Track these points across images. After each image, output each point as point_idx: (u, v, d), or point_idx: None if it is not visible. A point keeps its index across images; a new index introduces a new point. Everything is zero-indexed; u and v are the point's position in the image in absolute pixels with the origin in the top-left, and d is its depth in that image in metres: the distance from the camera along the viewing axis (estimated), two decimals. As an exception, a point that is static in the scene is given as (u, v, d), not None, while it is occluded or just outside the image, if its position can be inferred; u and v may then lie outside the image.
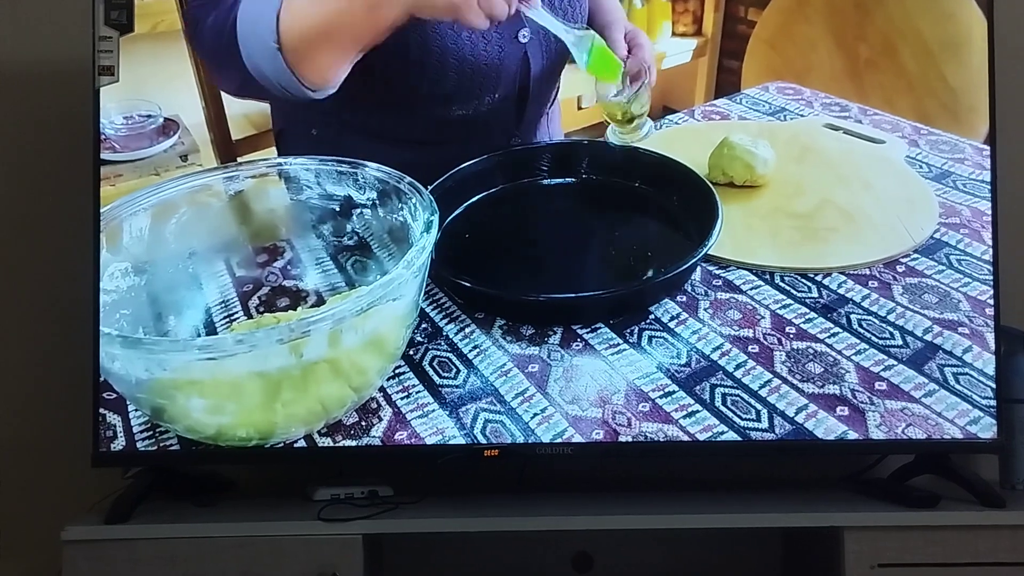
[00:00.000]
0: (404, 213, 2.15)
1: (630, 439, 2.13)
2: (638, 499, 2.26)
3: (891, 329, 2.20)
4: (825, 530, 2.16)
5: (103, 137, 2.23)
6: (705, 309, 2.21)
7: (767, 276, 2.26)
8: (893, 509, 2.18)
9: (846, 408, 2.15)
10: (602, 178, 2.35)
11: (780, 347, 2.18)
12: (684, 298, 2.23)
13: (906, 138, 2.41)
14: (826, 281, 2.25)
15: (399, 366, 2.16)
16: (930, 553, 2.12)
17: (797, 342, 2.18)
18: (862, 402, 2.16)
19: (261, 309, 2.20)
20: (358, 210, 2.23)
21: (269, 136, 2.33)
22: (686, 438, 2.11)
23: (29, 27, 2.52)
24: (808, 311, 2.22)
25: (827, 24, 2.40)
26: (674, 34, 2.41)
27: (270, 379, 1.99)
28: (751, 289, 2.24)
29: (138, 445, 2.15)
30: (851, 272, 2.26)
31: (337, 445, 2.14)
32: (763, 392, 2.14)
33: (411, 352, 2.17)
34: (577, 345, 2.18)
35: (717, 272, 2.26)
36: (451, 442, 2.13)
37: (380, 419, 2.13)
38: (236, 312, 2.20)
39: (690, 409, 2.12)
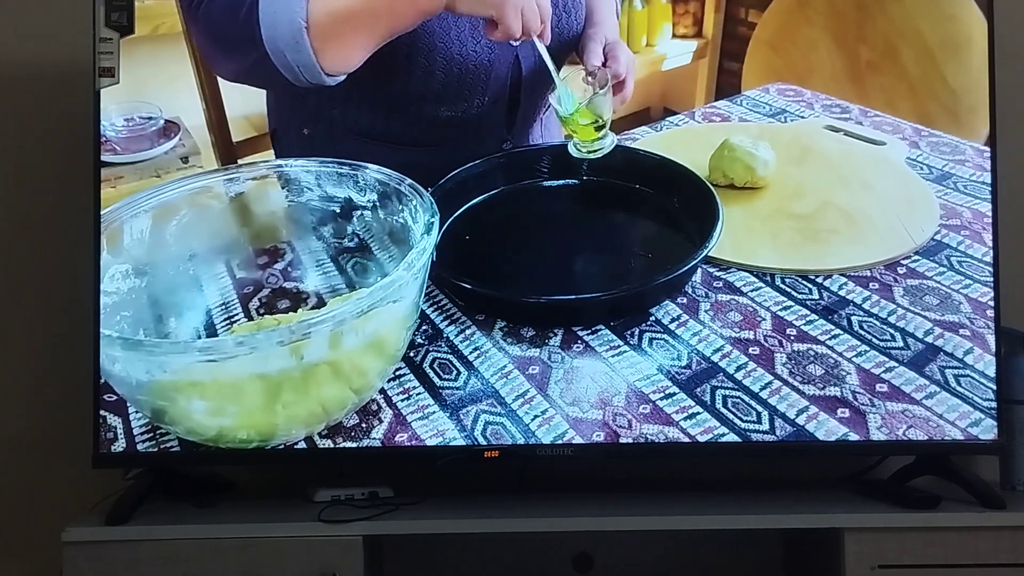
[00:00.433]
0: (404, 215, 2.14)
1: (631, 441, 2.13)
2: (638, 500, 2.26)
3: (892, 331, 2.20)
4: (825, 531, 2.16)
5: (104, 139, 2.23)
6: (706, 311, 2.21)
7: (768, 278, 2.26)
8: (893, 510, 2.18)
9: (847, 410, 2.15)
10: (602, 180, 2.35)
11: (781, 349, 2.18)
12: (685, 300, 2.23)
13: (907, 140, 2.41)
14: (827, 283, 2.25)
15: (399, 368, 2.16)
16: (930, 554, 2.12)
17: (798, 344, 2.18)
18: (863, 404, 2.16)
19: (262, 311, 2.20)
20: (359, 212, 2.23)
21: (269, 138, 2.33)
22: (687, 440, 2.11)
23: (30, 29, 2.52)
24: (809, 313, 2.21)
25: (828, 26, 2.40)
26: (675, 36, 2.41)
27: (271, 381, 1.99)
28: (752, 291, 2.24)
29: (138, 447, 2.15)
30: (852, 274, 2.26)
31: (337, 446, 2.14)
32: (764, 394, 2.14)
33: (411, 354, 2.17)
34: (578, 347, 2.18)
35: (718, 274, 2.26)
36: (451, 444, 2.13)
37: (381, 421, 2.13)
38: (237, 314, 2.20)
39: (691, 411, 2.12)
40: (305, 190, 2.24)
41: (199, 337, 2.17)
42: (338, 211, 2.24)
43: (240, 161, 2.32)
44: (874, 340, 2.19)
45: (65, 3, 2.47)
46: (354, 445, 2.14)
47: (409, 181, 2.15)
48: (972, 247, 2.29)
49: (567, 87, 2.22)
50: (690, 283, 2.25)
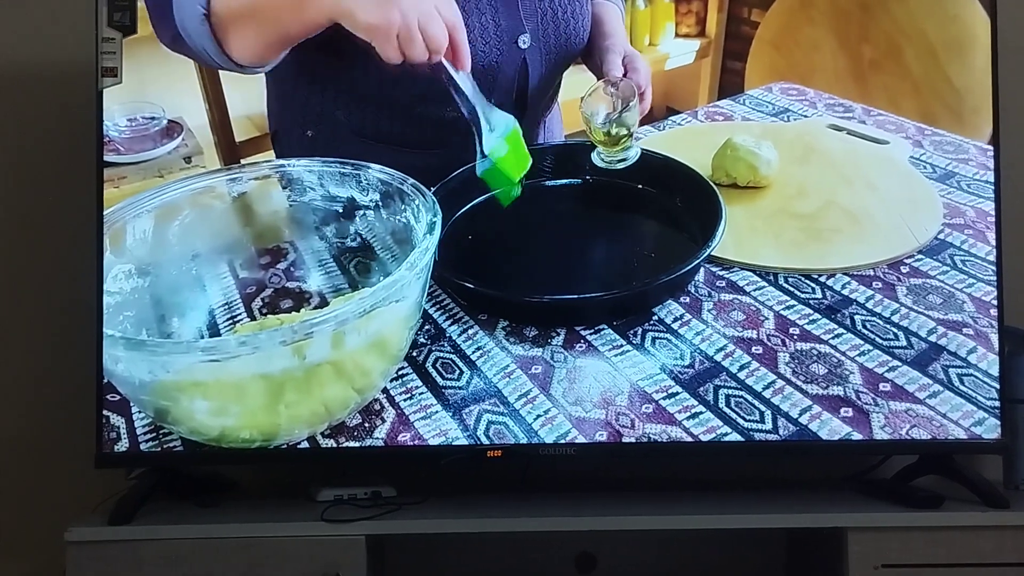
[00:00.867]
0: (407, 215, 2.14)
1: (633, 440, 2.13)
2: (641, 500, 2.26)
3: (895, 330, 2.20)
4: (829, 531, 2.17)
5: (107, 139, 2.24)
6: (709, 310, 2.21)
7: (771, 277, 2.26)
8: (897, 510, 2.18)
9: (850, 409, 2.15)
10: (605, 179, 2.35)
11: (784, 348, 2.18)
12: (687, 299, 2.23)
13: (910, 139, 2.41)
14: (830, 282, 2.25)
15: (402, 368, 2.15)
16: (934, 554, 2.12)
17: (801, 343, 2.18)
18: (866, 403, 2.15)
19: (264, 311, 2.21)
20: (361, 212, 2.23)
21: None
22: (689, 439, 2.11)
23: (32, 29, 2.52)
24: (812, 312, 2.21)
25: (831, 25, 2.40)
26: (677, 35, 2.41)
27: (273, 381, 1.98)
28: (755, 290, 2.24)
29: (142, 447, 2.15)
30: (855, 273, 2.26)
31: (340, 446, 2.14)
32: (767, 393, 2.14)
33: (414, 354, 2.17)
34: (580, 346, 2.18)
35: (721, 273, 2.26)
36: (454, 443, 2.13)
37: (383, 421, 2.13)
38: (239, 314, 2.20)
39: (694, 411, 2.12)
40: (308, 190, 2.24)
41: (202, 337, 2.17)
42: (341, 211, 2.24)
43: (243, 161, 2.33)
44: (877, 339, 2.19)
45: (67, 3, 2.47)
46: (357, 445, 2.14)
47: (412, 181, 2.15)
48: (976, 246, 2.29)
49: (496, 122, 2.15)
50: (693, 282, 2.25)
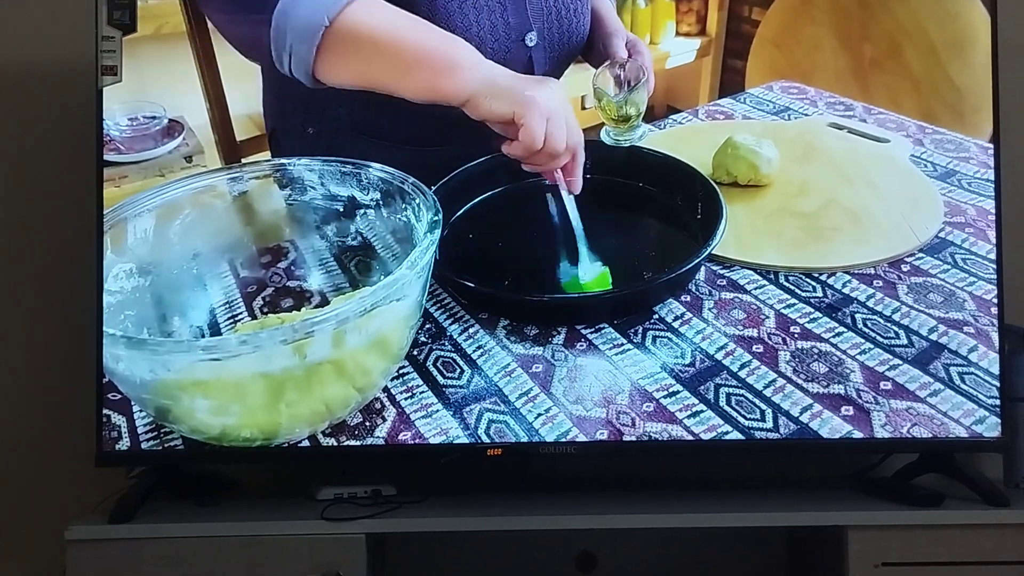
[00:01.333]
0: (408, 213, 2.14)
1: (634, 439, 2.13)
2: (642, 498, 2.26)
3: (896, 328, 2.20)
4: (829, 529, 2.16)
5: (108, 139, 2.23)
6: (709, 309, 2.21)
7: (771, 276, 2.26)
8: (897, 508, 2.18)
9: (851, 408, 2.15)
10: (606, 178, 2.35)
11: (785, 347, 2.18)
12: (688, 298, 2.23)
13: (911, 137, 2.41)
14: (831, 280, 2.25)
15: (403, 366, 2.16)
16: (934, 552, 2.12)
17: (802, 342, 2.18)
18: (867, 402, 2.16)
19: (265, 310, 2.21)
20: (362, 211, 2.23)
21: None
22: (690, 438, 2.11)
23: (32, 28, 2.52)
24: (813, 311, 2.21)
25: (832, 23, 2.40)
26: (678, 34, 2.41)
27: (274, 380, 1.99)
28: (755, 289, 2.24)
29: (143, 446, 2.15)
30: (856, 271, 2.26)
31: (341, 444, 2.14)
32: (768, 392, 2.14)
33: (415, 352, 2.17)
34: (581, 345, 2.18)
35: (721, 272, 2.26)
36: (455, 442, 2.13)
37: (384, 419, 2.13)
38: (240, 313, 2.20)
39: (694, 409, 2.12)
40: (308, 189, 2.24)
41: (203, 336, 2.17)
42: (341, 210, 2.24)
43: (244, 160, 2.32)
44: (878, 338, 2.19)
45: (67, 2, 2.47)
46: (357, 443, 2.14)
47: (412, 179, 2.15)
48: (976, 244, 2.29)
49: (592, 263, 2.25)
50: (694, 281, 2.25)
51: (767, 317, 2.20)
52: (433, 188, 2.16)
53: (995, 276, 2.26)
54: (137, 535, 2.11)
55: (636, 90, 2.29)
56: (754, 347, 2.17)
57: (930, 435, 2.16)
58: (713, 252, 2.21)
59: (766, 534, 2.45)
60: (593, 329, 2.19)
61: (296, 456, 2.17)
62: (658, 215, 2.40)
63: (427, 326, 2.20)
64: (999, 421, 2.20)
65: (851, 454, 2.36)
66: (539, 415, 2.13)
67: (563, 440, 2.13)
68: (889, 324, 2.20)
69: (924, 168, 2.38)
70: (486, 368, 2.15)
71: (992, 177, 2.31)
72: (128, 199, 2.16)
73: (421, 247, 2.01)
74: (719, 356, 2.17)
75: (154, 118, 2.28)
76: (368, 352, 2.03)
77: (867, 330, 2.20)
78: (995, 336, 2.23)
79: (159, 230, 2.17)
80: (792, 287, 2.24)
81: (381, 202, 2.20)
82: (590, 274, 2.24)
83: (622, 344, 2.18)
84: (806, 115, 2.47)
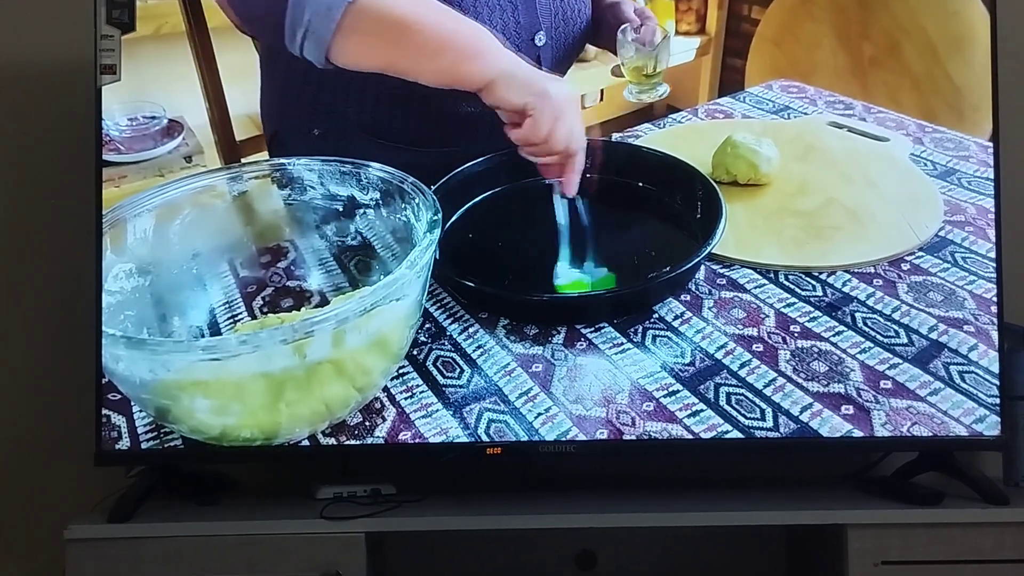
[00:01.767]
0: (407, 213, 2.15)
1: (634, 439, 2.13)
2: (641, 497, 2.26)
3: (896, 327, 2.20)
4: (829, 527, 2.16)
5: (108, 139, 2.23)
6: (709, 308, 2.21)
7: (771, 275, 2.26)
8: (897, 506, 2.18)
9: (851, 407, 2.15)
10: (605, 177, 2.35)
11: (785, 346, 2.18)
12: (688, 297, 2.23)
13: (910, 136, 2.41)
14: (831, 279, 2.25)
15: (403, 366, 2.16)
16: (934, 550, 2.12)
17: (802, 341, 2.18)
18: (867, 401, 2.16)
19: (265, 310, 2.21)
20: (361, 210, 2.23)
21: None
22: (690, 437, 2.11)
23: (31, 27, 2.51)
24: (813, 310, 2.21)
25: (831, 22, 2.40)
26: (678, 32, 2.40)
27: (274, 380, 1.99)
28: (755, 288, 2.24)
29: (142, 447, 2.15)
30: (856, 270, 2.26)
31: (340, 443, 2.14)
32: (768, 391, 2.14)
33: (415, 352, 2.17)
34: (581, 344, 2.18)
35: (721, 271, 2.26)
36: (455, 442, 2.13)
37: (384, 419, 2.13)
38: (240, 313, 2.20)
39: (694, 408, 2.12)
40: (308, 188, 2.24)
41: (202, 336, 2.17)
42: (341, 209, 2.24)
43: (243, 160, 2.32)
44: (878, 337, 2.19)
45: (66, 1, 2.46)
46: (357, 443, 2.14)
47: (412, 179, 2.16)
48: (976, 243, 2.29)
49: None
50: (694, 280, 2.25)
51: (767, 316, 2.20)
52: (433, 188, 2.16)
53: (994, 275, 2.26)
54: (136, 534, 2.11)
55: (662, 46, 2.32)
56: (754, 346, 2.17)
57: (930, 434, 2.16)
58: (713, 251, 2.21)
59: (766, 533, 2.45)
60: (593, 328, 2.20)
61: (295, 455, 2.17)
62: (658, 214, 2.40)
63: (427, 326, 2.20)
64: (999, 420, 2.20)
65: (851, 453, 2.35)
66: (539, 415, 2.13)
67: (563, 439, 2.13)
68: (889, 323, 2.20)
69: (924, 167, 2.38)
70: (486, 368, 2.15)
71: (991, 176, 2.31)
72: (128, 199, 2.16)
73: (421, 246, 2.02)
74: (719, 355, 2.17)
75: (154, 118, 2.28)
76: (368, 352, 2.03)
77: (867, 329, 2.20)
78: (995, 335, 2.23)
79: (159, 230, 2.17)
80: (792, 286, 2.24)
81: (381, 202, 2.20)
82: (565, 279, 2.25)
83: (622, 343, 2.18)
84: (806, 114, 2.47)
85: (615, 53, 2.36)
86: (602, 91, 2.43)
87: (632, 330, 2.19)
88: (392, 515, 2.16)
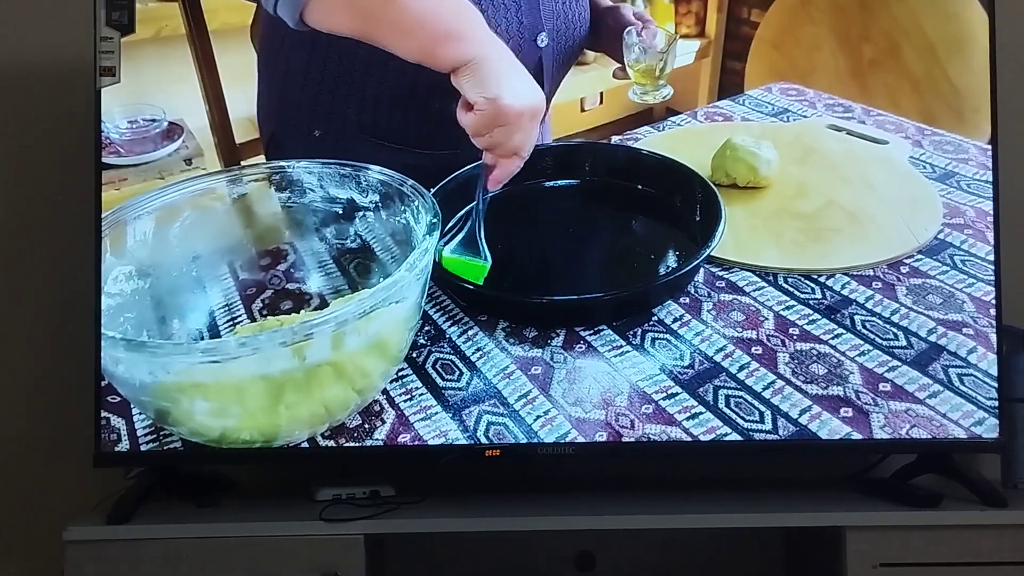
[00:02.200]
0: (407, 216, 2.15)
1: (633, 441, 2.13)
2: (640, 499, 2.26)
3: (895, 330, 2.20)
4: (827, 530, 2.17)
5: (108, 141, 2.23)
6: (708, 311, 2.21)
7: (770, 277, 2.26)
8: (895, 508, 2.18)
9: (850, 409, 2.15)
10: (605, 180, 2.35)
11: (784, 348, 2.18)
12: (687, 300, 2.23)
13: (910, 139, 2.41)
14: (830, 282, 2.25)
15: (402, 368, 2.16)
16: (932, 552, 2.12)
17: (801, 343, 2.18)
18: (866, 403, 2.16)
19: (264, 312, 2.21)
20: (361, 213, 2.23)
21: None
22: (689, 439, 2.12)
23: (31, 28, 2.51)
24: (812, 312, 2.21)
25: (831, 24, 2.40)
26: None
27: (273, 382, 1.99)
28: (754, 290, 2.24)
29: (142, 448, 2.15)
30: (855, 273, 2.26)
31: (339, 445, 2.15)
32: (767, 394, 2.14)
33: (414, 355, 2.17)
34: (580, 347, 2.18)
35: (720, 273, 2.26)
36: (454, 443, 2.13)
37: (383, 422, 2.13)
38: (239, 315, 2.20)
39: (693, 411, 2.12)
40: (307, 191, 2.24)
41: (202, 338, 2.17)
42: (340, 212, 2.24)
43: (243, 163, 2.32)
44: (877, 339, 2.20)
45: (66, 3, 2.46)
46: (356, 444, 2.14)
47: (411, 182, 2.16)
48: (975, 246, 2.29)
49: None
50: (693, 283, 2.25)
51: (766, 319, 2.20)
52: (432, 191, 2.16)
53: (993, 277, 2.26)
54: (135, 536, 2.11)
55: (671, 48, 2.33)
56: (753, 349, 2.18)
57: (929, 436, 2.16)
58: (712, 254, 2.21)
59: (764, 534, 2.45)
60: (592, 331, 2.20)
61: (294, 456, 2.18)
62: (657, 217, 2.40)
63: (426, 328, 2.20)
64: (997, 422, 2.20)
65: (849, 455, 2.36)
66: (538, 417, 2.13)
67: (562, 442, 2.14)
68: (888, 325, 2.21)
69: (923, 170, 2.38)
70: (485, 370, 2.15)
71: (990, 178, 2.31)
72: (127, 201, 2.16)
73: (420, 249, 2.02)
74: (718, 358, 2.17)
75: (154, 121, 2.28)
76: (367, 354, 2.03)
77: (866, 332, 2.20)
78: (994, 337, 2.23)
79: (158, 233, 2.17)
80: (791, 289, 2.24)
81: (380, 204, 2.20)
82: (455, 255, 2.22)
83: (621, 346, 2.18)
84: (805, 117, 2.47)
85: (613, 57, 2.37)
86: (601, 94, 2.44)
87: (631, 333, 2.19)
88: (391, 517, 2.16)
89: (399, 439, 2.12)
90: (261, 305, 2.22)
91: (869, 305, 2.22)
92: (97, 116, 2.22)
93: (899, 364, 2.18)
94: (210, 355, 1.99)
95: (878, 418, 2.15)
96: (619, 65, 2.37)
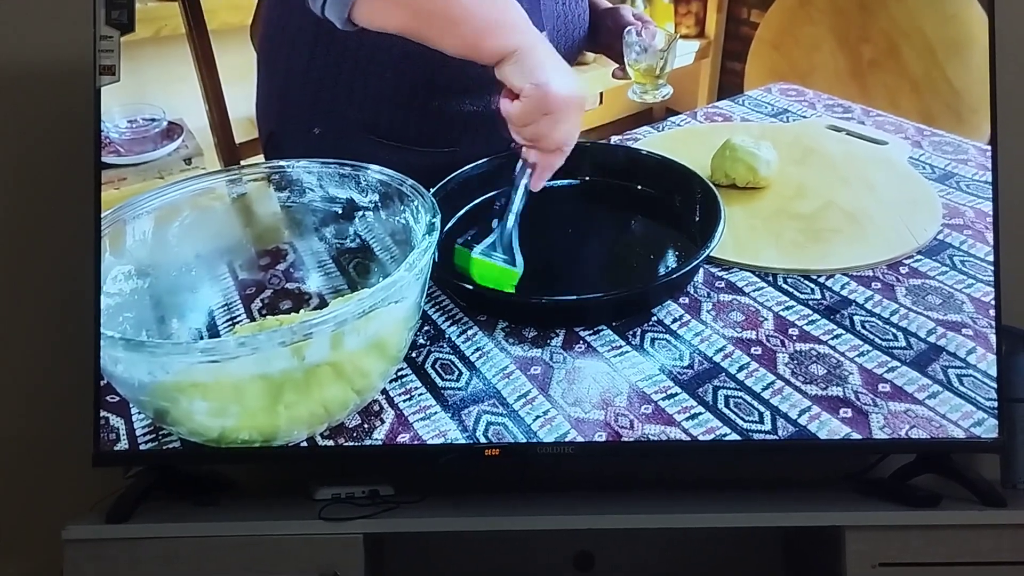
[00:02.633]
0: (406, 215, 2.15)
1: (632, 441, 2.13)
2: (639, 498, 2.26)
3: (894, 330, 2.20)
4: (826, 529, 2.16)
5: (107, 141, 2.23)
6: (708, 311, 2.21)
7: (770, 278, 2.26)
8: (894, 508, 2.18)
9: (849, 410, 2.15)
10: (604, 180, 2.35)
11: (783, 349, 2.18)
12: (687, 300, 2.23)
13: (909, 139, 2.41)
14: (829, 283, 2.25)
15: (401, 368, 2.16)
16: (931, 552, 2.12)
17: (800, 344, 2.18)
18: (865, 404, 2.16)
19: (264, 312, 2.21)
20: (360, 213, 2.23)
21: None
22: (688, 439, 2.12)
23: (30, 27, 2.51)
24: (811, 313, 2.21)
25: (830, 25, 2.40)
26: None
27: (272, 382, 1.99)
28: (754, 291, 2.24)
29: (141, 448, 2.15)
30: (854, 274, 2.26)
31: (338, 444, 2.15)
32: (766, 394, 2.14)
33: (413, 354, 2.17)
34: (579, 347, 2.18)
35: (720, 274, 2.26)
36: (453, 443, 2.13)
37: (382, 421, 2.13)
38: (239, 315, 2.20)
39: (693, 411, 2.12)
40: (307, 191, 2.24)
41: (201, 338, 2.17)
42: (340, 212, 2.24)
43: (243, 162, 2.32)
44: (876, 340, 2.20)
45: (66, 2, 2.46)
46: (355, 443, 2.14)
47: (411, 182, 2.16)
48: (975, 247, 2.29)
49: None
50: (692, 283, 2.25)
51: (765, 319, 2.20)
52: (431, 190, 2.16)
53: (993, 278, 2.26)
54: (134, 535, 2.11)
55: (671, 48, 2.33)
56: (752, 349, 2.18)
57: (928, 437, 2.16)
58: (711, 254, 2.21)
59: (763, 534, 2.45)
60: (591, 331, 2.20)
61: (293, 456, 2.18)
62: (656, 217, 2.40)
63: (425, 328, 2.20)
64: (996, 422, 2.20)
65: (848, 455, 2.36)
66: (537, 417, 2.13)
67: (561, 441, 2.14)
68: (887, 326, 2.21)
69: (922, 170, 2.38)
70: (484, 370, 2.15)
71: (990, 179, 2.31)
72: (127, 201, 2.16)
73: (419, 249, 2.02)
74: (717, 358, 2.17)
75: (153, 120, 2.28)
76: (366, 354, 2.03)
77: (865, 332, 2.20)
78: (993, 338, 2.23)
79: (158, 232, 2.17)
80: (790, 289, 2.24)
81: (379, 204, 2.20)
82: (485, 257, 2.21)
83: (620, 346, 2.18)
84: (804, 117, 2.47)
85: (612, 57, 2.37)
86: (601, 94, 2.43)
87: (631, 333, 2.19)
88: (390, 516, 2.16)
89: (398, 439, 2.12)
90: (260, 305, 2.22)
91: (868, 306, 2.22)
92: (97, 115, 2.22)
93: (898, 365, 2.18)
94: (209, 355, 1.99)
95: (877, 419, 2.15)
96: (618, 65, 2.37)
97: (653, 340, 2.18)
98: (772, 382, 2.15)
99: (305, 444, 2.14)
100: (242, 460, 2.33)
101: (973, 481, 2.23)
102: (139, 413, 2.16)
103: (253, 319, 2.19)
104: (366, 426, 2.13)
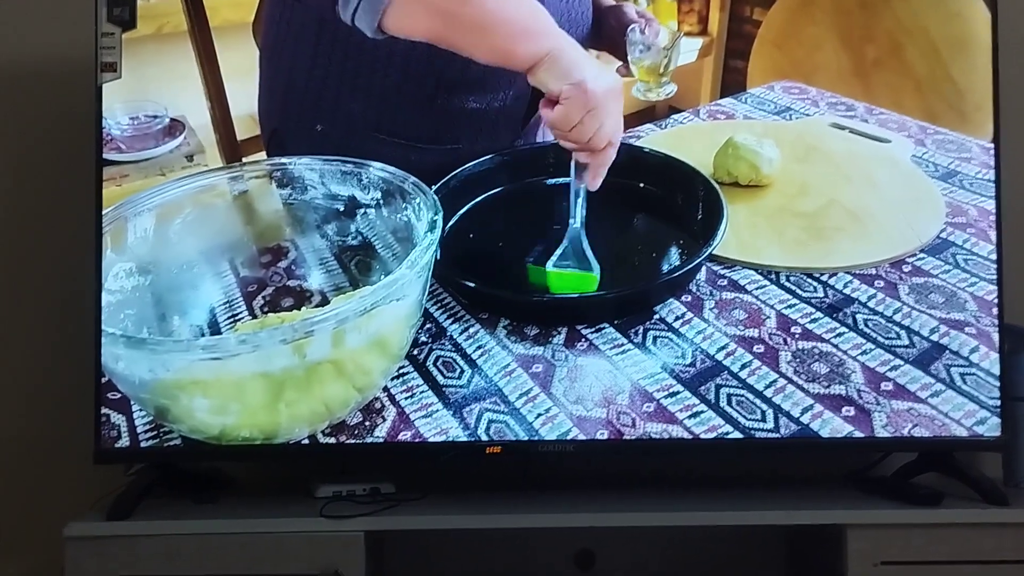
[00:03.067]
0: (408, 213, 2.15)
1: (634, 439, 2.13)
2: (641, 496, 2.26)
3: (897, 329, 2.20)
4: (828, 528, 2.16)
5: (109, 138, 2.23)
6: (710, 309, 2.21)
7: (772, 276, 2.25)
8: (896, 507, 2.18)
9: (852, 408, 2.15)
10: (607, 178, 2.34)
11: (786, 347, 2.18)
12: (689, 298, 2.23)
13: (912, 137, 2.40)
14: (832, 281, 2.25)
15: (403, 366, 2.16)
16: (933, 551, 2.12)
17: (803, 342, 2.18)
18: (868, 402, 2.15)
19: (265, 309, 2.20)
20: (362, 210, 2.23)
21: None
22: (690, 438, 2.11)
23: (32, 25, 2.51)
24: (814, 311, 2.21)
25: (833, 23, 2.40)
26: (679, 34, 2.41)
27: (274, 379, 1.99)
28: (756, 289, 2.24)
29: (142, 445, 2.15)
30: (857, 272, 2.26)
31: (339, 442, 2.14)
32: (768, 392, 2.14)
33: (415, 352, 2.17)
34: (581, 345, 2.17)
35: (722, 272, 2.26)
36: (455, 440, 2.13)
37: (384, 419, 2.13)
38: (240, 312, 2.20)
39: (695, 409, 2.12)
40: (309, 188, 2.24)
41: (202, 335, 2.17)
42: (342, 209, 2.24)
43: (244, 159, 2.32)
44: (879, 338, 2.19)
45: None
46: (356, 441, 2.14)
47: (413, 179, 2.16)
48: (978, 245, 2.29)
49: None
50: (695, 281, 2.25)
51: (768, 317, 2.20)
52: (434, 188, 2.16)
53: (996, 276, 2.26)
54: (135, 532, 2.11)
55: (675, 45, 2.34)
56: (755, 347, 2.17)
57: (931, 435, 2.16)
58: (714, 252, 2.21)
59: (766, 533, 2.46)
60: (593, 329, 2.19)
61: (294, 453, 2.17)
62: (659, 215, 2.39)
63: (427, 326, 2.20)
64: (999, 421, 2.20)
65: (851, 453, 2.35)
66: (539, 415, 2.13)
67: (563, 439, 2.13)
68: (890, 324, 2.20)
69: (926, 168, 2.38)
70: (486, 368, 2.15)
71: (993, 177, 2.30)
72: (128, 198, 2.16)
73: (421, 246, 2.01)
74: (720, 356, 2.17)
75: (155, 117, 2.28)
76: (368, 352, 2.03)
77: (868, 330, 2.20)
78: (996, 336, 2.23)
79: (159, 229, 2.17)
80: (793, 287, 2.24)
81: (381, 201, 2.20)
82: (560, 270, 2.22)
83: (623, 344, 2.17)
84: (807, 115, 2.47)
85: (615, 55, 2.36)
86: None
87: (633, 331, 2.19)
88: (391, 514, 2.16)
89: (400, 436, 2.12)
90: (262, 302, 2.21)
91: (871, 304, 2.22)
92: (98, 112, 2.22)
93: (901, 363, 2.18)
94: (210, 352, 1.99)
95: (880, 417, 2.15)
96: (622, 63, 2.37)
97: (655, 338, 2.18)
98: (774, 380, 2.15)
99: (306, 441, 2.14)
100: (243, 458, 2.33)
101: (975, 480, 2.23)
102: (140, 410, 2.16)
103: (254, 316, 2.19)
104: (367, 424, 2.13)
